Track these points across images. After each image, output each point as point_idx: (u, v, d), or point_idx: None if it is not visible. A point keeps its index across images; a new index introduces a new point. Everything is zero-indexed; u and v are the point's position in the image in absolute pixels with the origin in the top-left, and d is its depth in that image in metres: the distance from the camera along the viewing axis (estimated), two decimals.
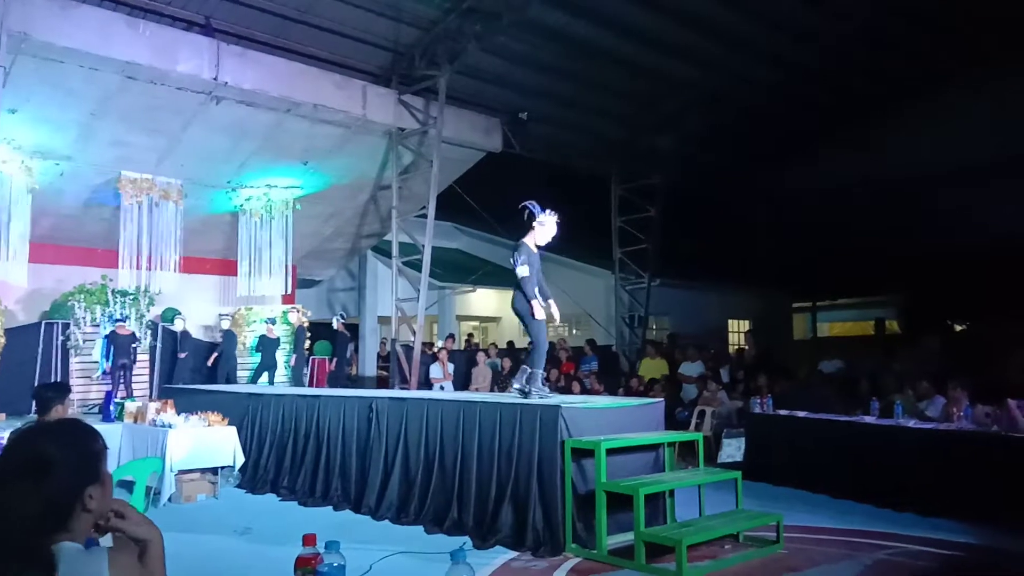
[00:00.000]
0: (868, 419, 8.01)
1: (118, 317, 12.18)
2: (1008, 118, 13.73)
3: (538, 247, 6.57)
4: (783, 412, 8.99)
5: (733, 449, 9.09)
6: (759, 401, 9.37)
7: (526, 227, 6.60)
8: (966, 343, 14.30)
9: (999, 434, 6.78)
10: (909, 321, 18.80)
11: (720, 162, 16.54)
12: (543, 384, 6.68)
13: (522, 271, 6.36)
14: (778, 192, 18.16)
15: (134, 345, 12.10)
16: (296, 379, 13.28)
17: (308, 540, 2.17)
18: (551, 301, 6.72)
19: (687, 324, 17.91)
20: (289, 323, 13.68)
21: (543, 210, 6.53)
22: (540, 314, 6.43)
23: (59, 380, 11.57)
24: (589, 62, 12.30)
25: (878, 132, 15.76)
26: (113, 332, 11.95)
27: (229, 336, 13.18)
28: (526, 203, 6.55)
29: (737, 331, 19.98)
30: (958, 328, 17.56)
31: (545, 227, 6.51)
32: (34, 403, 4.87)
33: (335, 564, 2.16)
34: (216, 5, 10.53)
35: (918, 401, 8.66)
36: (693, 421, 10.71)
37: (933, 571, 5.17)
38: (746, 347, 15.36)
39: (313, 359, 14.37)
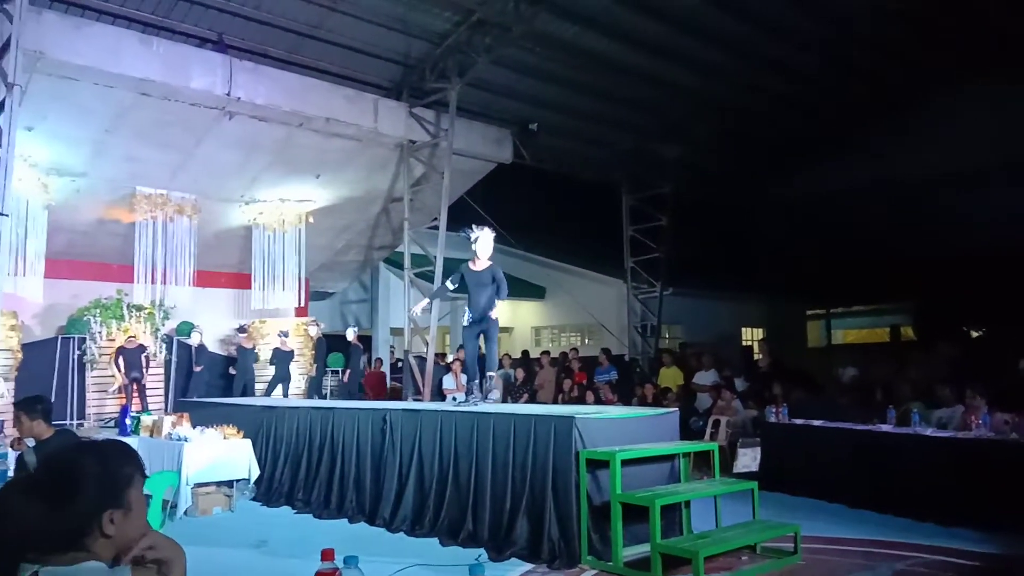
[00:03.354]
0: (885, 427, 7.93)
1: (130, 336, 12.24)
2: (1022, 120, 13.64)
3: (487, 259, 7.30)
4: (799, 421, 8.92)
5: (749, 459, 9.02)
6: (774, 410, 9.30)
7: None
8: (983, 349, 14.16)
9: (1018, 441, 6.71)
10: (924, 327, 18.63)
11: (730, 170, 16.53)
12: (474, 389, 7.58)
13: (447, 283, 7.56)
14: (790, 199, 18.10)
15: (144, 355, 12.14)
16: (316, 390, 13.32)
17: (327, 555, 2.17)
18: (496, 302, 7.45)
19: (700, 333, 17.85)
20: (309, 336, 13.79)
21: (471, 229, 7.31)
22: (419, 308, 8.49)
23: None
24: (598, 73, 12.33)
25: (890, 137, 15.69)
26: (121, 346, 12.00)
27: (248, 349, 13.23)
28: (462, 231, 7.40)
29: (751, 339, 19.88)
30: (975, 334, 17.39)
31: (479, 243, 7.23)
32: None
33: None
34: (228, 21, 10.64)
35: (936, 408, 8.58)
36: (708, 431, 10.64)
37: None
38: (759, 355, 15.26)
39: (366, 371, 14.60)
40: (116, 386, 12.30)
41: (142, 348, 12.19)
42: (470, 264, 7.32)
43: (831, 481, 7.85)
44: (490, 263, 7.33)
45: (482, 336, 7.53)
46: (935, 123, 14.97)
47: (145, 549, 1.68)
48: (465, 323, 7.45)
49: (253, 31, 10.90)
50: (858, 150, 16.31)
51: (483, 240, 7.27)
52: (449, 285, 7.48)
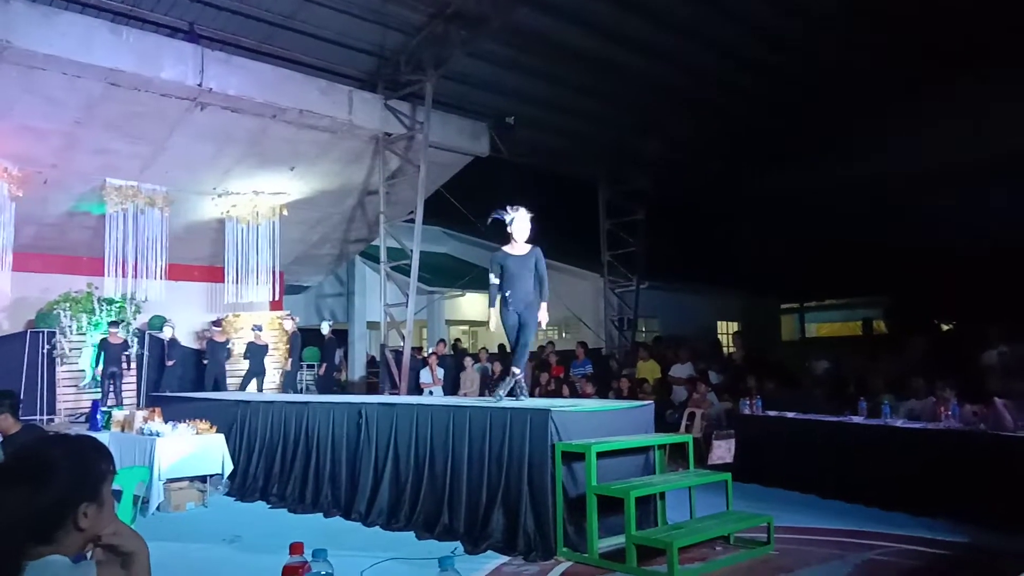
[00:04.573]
0: (856, 419, 8.04)
1: (113, 320, 12.09)
2: (991, 120, 13.85)
3: (527, 242, 6.73)
4: (772, 413, 9.01)
5: (723, 451, 9.10)
6: (748, 402, 9.39)
7: (507, 235, 6.78)
8: (953, 342, 14.38)
9: (986, 433, 6.82)
10: (896, 321, 18.89)
11: (707, 165, 16.61)
12: (511, 382, 6.80)
13: (492, 279, 6.70)
14: (765, 195, 18.25)
15: (125, 353, 12.02)
16: (291, 385, 13.23)
17: (295, 548, 2.15)
18: (543, 304, 6.81)
19: (676, 326, 17.96)
20: (284, 330, 13.67)
21: (505, 211, 6.72)
22: (492, 324, 6.74)
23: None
24: (576, 67, 12.32)
25: (864, 135, 15.86)
26: (104, 340, 11.87)
27: (220, 343, 13.10)
28: (492, 215, 6.81)
29: (726, 333, 20.04)
30: (945, 328, 17.66)
31: (516, 224, 6.69)
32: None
33: (323, 572, 2.14)
34: (200, 11, 10.50)
35: (907, 400, 8.70)
36: (683, 423, 10.71)
37: (922, 570, 5.19)
38: (732, 348, 15.40)
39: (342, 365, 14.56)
40: (87, 380, 12.14)
41: (125, 345, 12.06)
42: (507, 249, 6.71)
43: (804, 472, 7.94)
44: (531, 246, 6.74)
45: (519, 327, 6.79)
46: (908, 122, 15.15)
47: (110, 536, 1.68)
48: (505, 308, 6.63)
49: (225, 21, 10.75)
50: (833, 148, 16.45)
51: (520, 221, 6.67)
52: (494, 280, 6.66)
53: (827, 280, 19.17)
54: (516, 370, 6.76)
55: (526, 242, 6.73)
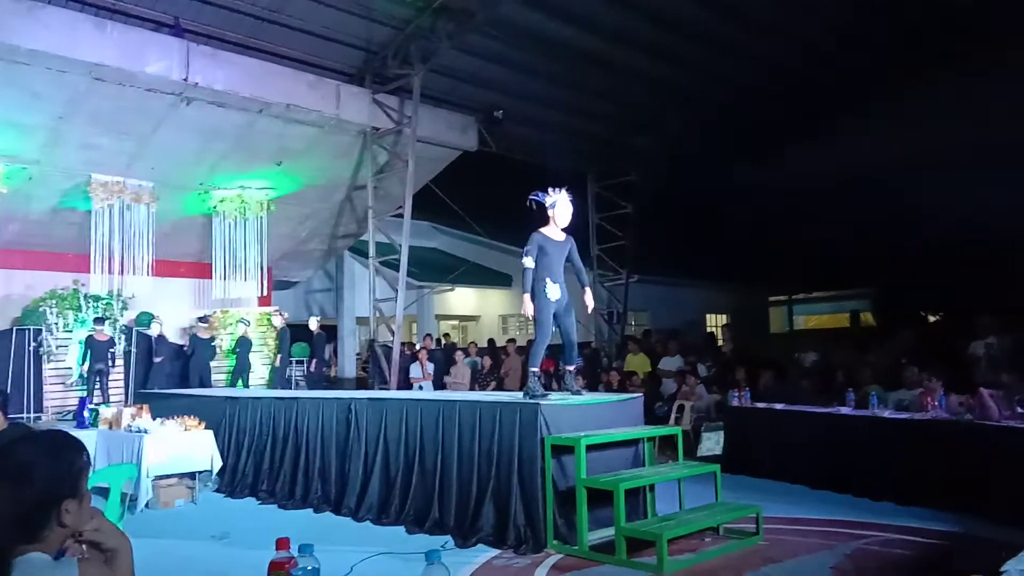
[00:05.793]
0: (844, 410, 8.09)
1: (98, 316, 12.00)
2: (976, 112, 13.93)
3: (564, 231, 6.57)
4: (761, 405, 9.05)
5: (712, 443, 9.12)
6: (737, 394, 9.43)
7: (539, 220, 6.57)
8: (939, 333, 14.48)
9: (972, 423, 6.87)
10: (883, 313, 19.01)
11: (696, 158, 16.63)
12: (537, 382, 6.48)
13: (525, 262, 6.36)
14: (753, 187, 18.30)
15: (111, 350, 11.94)
16: (280, 382, 13.17)
17: (281, 544, 2.14)
18: (587, 289, 6.93)
19: (665, 319, 18.02)
20: (272, 325, 13.60)
21: (546, 193, 6.51)
22: (527, 309, 6.36)
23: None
24: (564, 60, 12.29)
25: (850, 127, 15.92)
26: (90, 336, 11.78)
27: (204, 340, 13.02)
28: (530, 197, 6.53)
29: (715, 325, 20.12)
30: (932, 319, 17.78)
31: (558, 208, 6.49)
32: None
33: (309, 568, 2.13)
34: (185, 5, 10.41)
35: (894, 391, 8.75)
36: (672, 415, 10.75)
37: (910, 559, 5.23)
38: (722, 341, 15.46)
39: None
40: (73, 379, 12.05)
41: (111, 342, 11.98)
42: (546, 232, 6.44)
43: (793, 463, 7.99)
44: (567, 235, 6.53)
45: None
46: (896, 114, 15.21)
47: (92, 532, 1.67)
48: (544, 297, 6.34)
49: (211, 15, 10.67)
50: (820, 141, 16.51)
51: (563, 204, 6.45)
52: (529, 263, 6.29)
53: (815, 273, 19.28)
54: (571, 368, 6.82)
55: (562, 230, 6.52)
